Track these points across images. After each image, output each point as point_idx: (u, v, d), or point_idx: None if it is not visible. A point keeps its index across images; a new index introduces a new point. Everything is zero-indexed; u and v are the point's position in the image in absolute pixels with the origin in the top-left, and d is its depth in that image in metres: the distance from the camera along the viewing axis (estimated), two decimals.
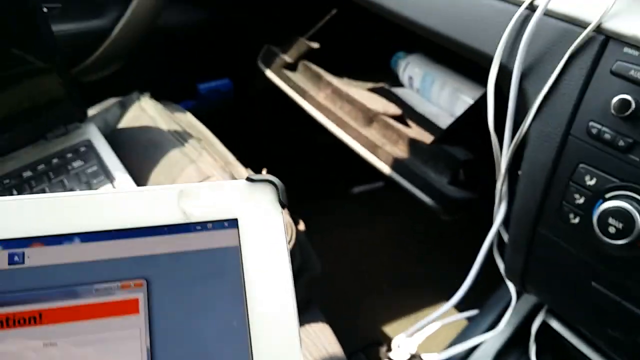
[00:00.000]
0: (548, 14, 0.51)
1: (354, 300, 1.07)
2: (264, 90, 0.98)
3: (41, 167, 0.72)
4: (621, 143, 0.45)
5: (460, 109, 0.82)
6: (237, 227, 0.32)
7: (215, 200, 0.32)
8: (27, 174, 0.71)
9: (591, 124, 0.47)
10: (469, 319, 0.77)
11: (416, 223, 1.17)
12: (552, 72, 0.50)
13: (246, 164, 0.78)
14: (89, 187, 0.69)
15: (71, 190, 0.69)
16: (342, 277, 1.06)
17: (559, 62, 0.49)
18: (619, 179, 0.46)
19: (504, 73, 0.54)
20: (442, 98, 0.86)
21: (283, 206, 0.33)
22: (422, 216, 0.87)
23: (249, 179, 0.33)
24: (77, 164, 0.72)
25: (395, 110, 0.79)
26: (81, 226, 0.30)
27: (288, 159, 1.24)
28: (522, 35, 0.52)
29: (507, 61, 0.54)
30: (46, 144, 0.75)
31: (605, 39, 0.47)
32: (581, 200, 0.48)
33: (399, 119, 0.79)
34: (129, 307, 0.29)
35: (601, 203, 0.46)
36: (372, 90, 0.89)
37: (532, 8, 0.52)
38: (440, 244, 1.14)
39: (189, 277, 0.30)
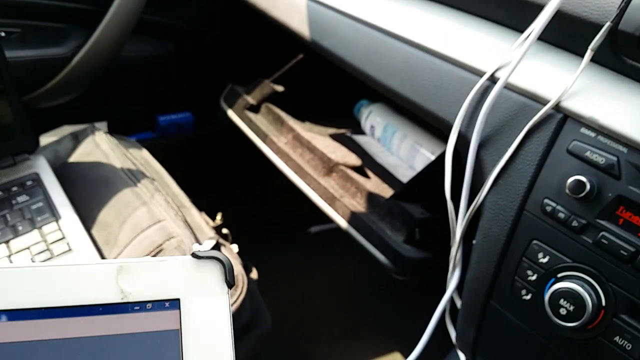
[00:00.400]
0: (509, 87, 0.51)
1: (303, 353, 1.05)
2: (225, 128, 0.96)
3: None
4: (575, 223, 0.45)
5: (419, 162, 0.82)
6: (179, 308, 0.30)
7: (157, 278, 0.30)
8: None
9: (546, 201, 0.47)
10: None
11: (373, 267, 1.16)
12: (509, 146, 0.50)
13: (201, 204, 0.76)
14: (33, 224, 0.66)
15: (13, 226, 0.66)
16: (292, 326, 1.04)
17: (516, 136, 0.50)
18: (571, 259, 0.46)
19: (463, 141, 0.54)
20: (402, 150, 0.86)
21: (230, 286, 0.31)
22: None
23: (194, 255, 0.31)
24: (22, 198, 0.69)
25: (355, 161, 0.79)
26: (8, 303, 0.28)
27: (246, 198, 1.23)
28: (481, 106, 0.52)
29: (465, 130, 0.54)
30: None
31: (563, 117, 0.48)
32: (533, 277, 0.48)
33: (359, 169, 0.79)
34: None
35: (553, 282, 0.46)
36: (334, 136, 0.88)
37: (493, 80, 0.52)
38: (395, 291, 1.13)
39: None
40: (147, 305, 0.30)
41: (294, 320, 1.06)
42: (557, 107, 0.48)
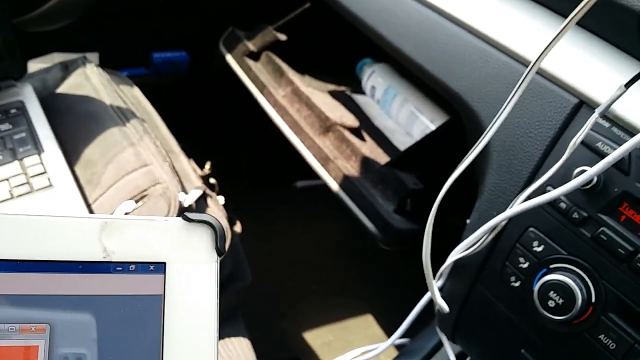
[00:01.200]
0: (539, 72, 0.48)
1: (281, 312, 1.05)
2: (220, 71, 0.93)
3: None
4: (575, 215, 0.44)
5: (417, 129, 0.80)
6: (164, 272, 0.29)
7: (143, 239, 0.29)
8: None
9: (549, 188, 0.46)
10: (398, 347, 0.76)
11: (356, 228, 1.16)
12: (518, 126, 0.48)
13: (190, 150, 0.74)
14: (14, 154, 0.64)
15: None
16: (271, 282, 1.04)
17: (527, 116, 0.48)
18: (566, 251, 0.45)
19: (469, 113, 0.52)
20: (401, 115, 0.84)
21: (220, 254, 0.30)
22: None
23: (184, 217, 0.29)
24: (4, 126, 0.66)
25: (352, 122, 0.76)
26: None
27: (236, 145, 1.20)
28: (498, 84, 0.50)
29: (475, 104, 0.52)
30: None
31: (578, 103, 0.46)
32: (525, 265, 0.47)
33: (355, 131, 0.77)
34: (26, 356, 0.26)
35: (545, 272, 0.45)
36: (333, 93, 0.86)
37: (519, 60, 0.50)
38: (377, 256, 1.13)
39: (100, 326, 0.27)
40: (131, 266, 0.28)
41: (273, 276, 1.06)
42: (573, 91, 0.46)
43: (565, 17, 0.40)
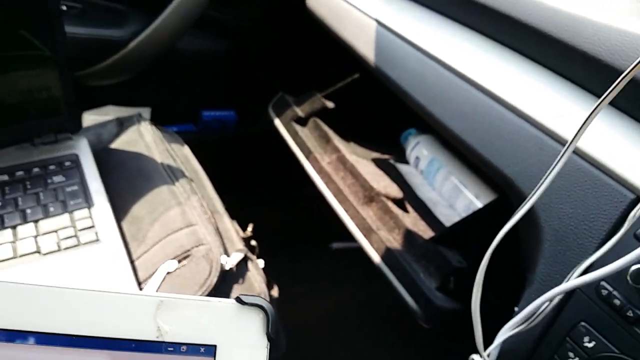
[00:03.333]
0: (580, 154, 0.48)
1: None
2: (266, 133, 0.94)
3: (19, 173, 0.68)
4: (630, 314, 0.43)
5: (461, 203, 0.80)
6: (214, 355, 0.28)
7: (196, 319, 0.29)
8: (3, 177, 0.67)
9: (603, 283, 0.44)
10: None
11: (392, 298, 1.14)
12: (572, 216, 0.47)
13: (233, 209, 0.74)
14: (65, 207, 0.65)
15: (44, 206, 0.65)
16: (300, 347, 1.02)
17: (581, 208, 0.47)
18: (619, 349, 0.43)
19: (518, 196, 0.52)
20: (445, 187, 0.83)
21: (270, 340, 0.29)
22: None
23: (238, 300, 0.29)
24: (57, 178, 0.68)
25: (396, 192, 0.76)
26: (37, 324, 0.27)
27: (277, 204, 1.21)
28: (545, 167, 0.49)
29: (524, 186, 0.51)
30: (31, 149, 0.71)
31: (635, 199, 0.45)
32: None
33: (399, 202, 0.76)
34: None
35: None
36: (377, 162, 0.86)
37: (561, 142, 0.49)
38: (405, 327, 1.10)
39: None
40: (182, 347, 0.28)
41: (303, 341, 1.04)
42: (630, 186, 0.45)
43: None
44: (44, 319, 0.27)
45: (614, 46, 0.48)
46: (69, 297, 0.27)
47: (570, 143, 0.42)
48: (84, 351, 0.27)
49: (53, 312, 0.27)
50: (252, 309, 0.29)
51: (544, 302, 0.45)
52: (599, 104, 0.39)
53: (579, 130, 0.41)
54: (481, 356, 0.49)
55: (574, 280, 0.42)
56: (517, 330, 0.47)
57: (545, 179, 0.43)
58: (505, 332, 0.49)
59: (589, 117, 0.40)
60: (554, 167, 0.43)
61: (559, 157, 0.42)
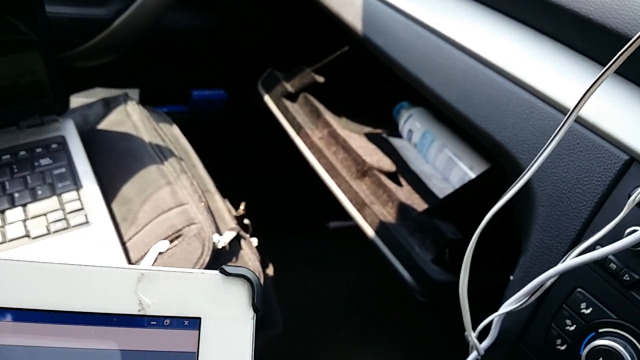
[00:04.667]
0: (577, 121, 0.47)
1: (305, 356, 1.02)
2: (257, 110, 0.93)
3: (6, 157, 0.67)
4: (626, 277, 0.42)
5: (455, 175, 0.79)
6: (199, 328, 0.28)
7: (179, 292, 0.28)
8: None
9: (598, 248, 0.44)
10: None
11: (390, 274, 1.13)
12: (566, 180, 0.46)
13: (225, 190, 0.73)
14: (53, 190, 0.64)
15: (32, 189, 0.64)
16: (299, 326, 1.02)
17: (575, 171, 0.46)
18: (616, 315, 0.42)
19: (512, 164, 0.51)
20: (439, 160, 0.83)
21: (256, 311, 0.29)
22: None
23: (222, 271, 0.28)
24: (45, 161, 0.67)
25: (389, 166, 0.75)
26: (15, 300, 0.26)
27: (270, 183, 1.20)
28: (541, 133, 0.48)
29: (518, 154, 0.50)
30: (16, 132, 0.70)
31: (629, 160, 0.44)
32: (572, 328, 0.44)
33: (392, 175, 0.75)
34: None
35: (593, 337, 0.43)
36: (369, 136, 0.85)
37: (559, 109, 0.48)
38: (409, 301, 1.10)
39: None
40: (165, 321, 0.27)
41: (301, 321, 1.03)
42: (623, 147, 0.44)
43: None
44: (22, 294, 0.26)
45: (615, 10, 0.46)
46: (45, 271, 0.26)
47: (572, 112, 0.41)
48: (62, 327, 0.26)
49: (29, 288, 0.26)
50: (236, 279, 0.28)
51: (546, 279, 0.44)
52: (604, 72, 0.38)
53: (581, 99, 0.40)
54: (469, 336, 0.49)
55: (581, 257, 0.41)
56: (511, 308, 0.46)
57: (544, 151, 0.42)
58: (501, 311, 0.48)
59: (592, 85, 0.39)
60: (553, 139, 0.42)
61: (558, 127, 0.41)
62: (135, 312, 0.27)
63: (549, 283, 0.44)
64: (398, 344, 1.08)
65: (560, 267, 0.42)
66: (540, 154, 0.41)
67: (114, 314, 0.27)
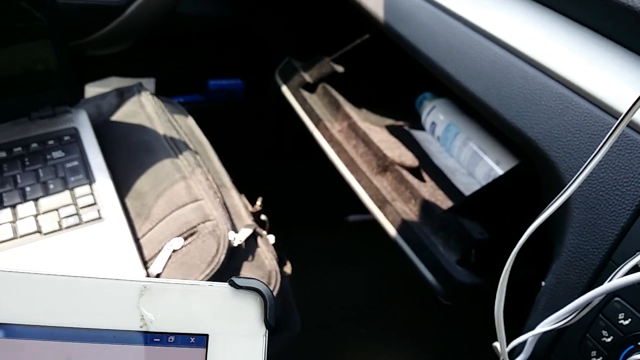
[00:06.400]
0: (629, 124, 0.43)
1: (324, 355, 1.00)
2: (275, 100, 0.91)
3: (18, 149, 0.66)
4: None
5: (481, 170, 0.76)
6: (206, 346, 0.25)
7: (185, 306, 0.26)
8: (1, 154, 0.65)
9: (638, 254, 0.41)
10: None
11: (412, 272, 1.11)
12: (605, 182, 0.43)
13: (242, 184, 0.71)
14: (65, 184, 0.63)
15: (44, 183, 0.62)
16: (318, 327, 1.00)
17: (615, 174, 0.43)
18: None
19: (541, 159, 0.48)
20: (463, 154, 0.79)
21: (269, 327, 0.26)
22: None
23: (231, 283, 0.26)
24: (57, 154, 0.65)
25: (412, 161, 0.72)
26: (6, 315, 0.24)
27: (287, 176, 1.18)
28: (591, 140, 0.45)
29: (550, 150, 0.47)
30: (28, 124, 0.69)
31: None
32: (609, 339, 0.41)
33: (414, 170, 0.72)
34: None
35: (632, 349, 0.40)
36: (391, 129, 0.82)
37: (603, 109, 0.45)
38: (431, 299, 1.08)
39: None
40: (170, 338, 0.25)
41: (320, 317, 1.01)
42: None
43: None
44: (14, 308, 0.24)
45: None
46: (38, 283, 0.24)
47: (623, 117, 0.37)
48: (57, 344, 0.24)
49: (21, 301, 0.24)
50: (247, 293, 0.26)
51: (581, 305, 0.40)
52: None
53: (634, 104, 0.37)
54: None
55: (635, 275, 0.37)
56: (554, 326, 0.43)
57: (592, 160, 0.38)
58: (541, 328, 0.44)
59: None
60: (602, 147, 0.38)
61: (608, 134, 0.37)
62: (137, 328, 0.25)
63: (595, 302, 0.40)
64: (419, 344, 1.05)
65: (609, 285, 0.39)
66: (588, 164, 0.38)
67: (114, 330, 0.24)
